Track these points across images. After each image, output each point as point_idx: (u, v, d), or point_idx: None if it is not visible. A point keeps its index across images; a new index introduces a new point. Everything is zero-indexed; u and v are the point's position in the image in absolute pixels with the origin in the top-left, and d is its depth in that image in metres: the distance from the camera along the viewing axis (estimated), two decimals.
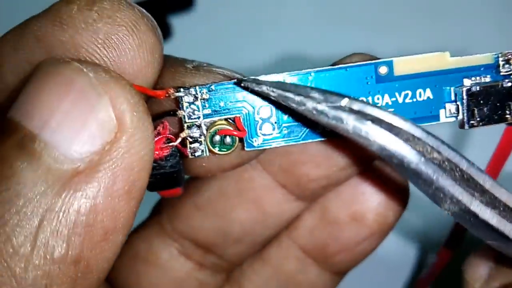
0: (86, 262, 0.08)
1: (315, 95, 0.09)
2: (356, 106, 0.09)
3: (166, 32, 0.34)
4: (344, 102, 0.09)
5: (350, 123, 0.09)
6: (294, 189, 0.13)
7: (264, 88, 0.09)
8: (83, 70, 0.08)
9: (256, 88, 0.10)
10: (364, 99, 0.10)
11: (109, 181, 0.08)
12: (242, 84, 0.10)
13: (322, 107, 0.09)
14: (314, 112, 0.09)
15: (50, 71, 0.09)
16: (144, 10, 0.10)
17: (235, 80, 0.10)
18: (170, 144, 0.10)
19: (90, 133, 0.08)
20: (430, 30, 0.36)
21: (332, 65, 0.11)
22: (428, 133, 0.09)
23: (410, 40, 0.34)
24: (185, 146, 0.10)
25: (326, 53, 0.36)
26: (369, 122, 0.09)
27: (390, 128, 0.09)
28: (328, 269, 0.14)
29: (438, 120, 0.11)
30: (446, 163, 0.09)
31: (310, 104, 0.09)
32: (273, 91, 0.09)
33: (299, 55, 0.36)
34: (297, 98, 0.09)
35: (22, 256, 0.08)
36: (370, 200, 0.13)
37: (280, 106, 0.10)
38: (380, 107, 0.09)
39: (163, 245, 0.13)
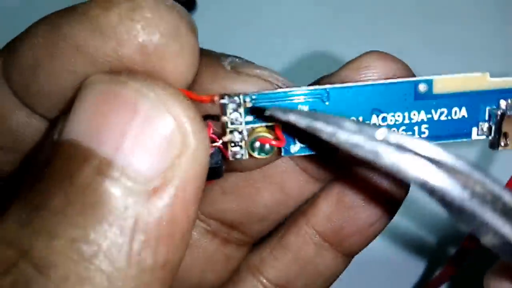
0: (170, 264, 0.09)
1: (348, 125, 0.09)
2: (393, 138, 0.09)
3: None
4: (380, 134, 0.09)
5: (387, 157, 0.08)
6: (314, 173, 0.13)
7: (292, 118, 0.09)
8: (143, 91, 0.09)
9: (283, 118, 0.09)
10: (401, 131, 0.10)
11: (182, 191, 0.09)
12: (266, 114, 0.10)
13: (356, 139, 0.09)
14: (348, 144, 0.09)
15: (109, 92, 0.09)
16: (182, 8, 0.10)
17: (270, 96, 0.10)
18: (214, 144, 0.10)
19: (160, 152, 0.09)
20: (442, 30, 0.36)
21: (350, 61, 0.12)
22: (472, 165, 0.09)
23: (415, 40, 0.34)
24: (227, 148, 0.11)
25: (332, 53, 0.36)
26: (407, 156, 0.08)
27: (429, 161, 0.08)
28: (342, 251, 0.14)
29: (470, 138, 0.11)
30: (488, 196, 0.08)
31: (342, 136, 0.09)
32: (301, 121, 0.09)
33: (302, 56, 0.36)
34: (329, 129, 0.09)
35: (119, 271, 0.08)
36: (380, 182, 0.13)
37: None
38: (419, 138, 0.09)
39: None
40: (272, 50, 0.36)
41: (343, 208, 0.14)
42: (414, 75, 0.12)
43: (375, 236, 0.14)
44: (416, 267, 0.28)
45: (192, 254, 0.14)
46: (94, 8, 0.09)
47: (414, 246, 0.29)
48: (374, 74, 0.11)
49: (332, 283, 0.15)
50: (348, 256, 0.15)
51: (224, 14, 0.35)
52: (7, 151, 0.11)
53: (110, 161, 0.08)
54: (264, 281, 0.15)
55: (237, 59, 0.12)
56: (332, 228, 0.14)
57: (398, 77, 0.11)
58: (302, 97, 0.10)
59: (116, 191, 0.08)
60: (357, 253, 0.15)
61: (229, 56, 0.12)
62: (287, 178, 0.13)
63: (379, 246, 0.27)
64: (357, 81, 0.11)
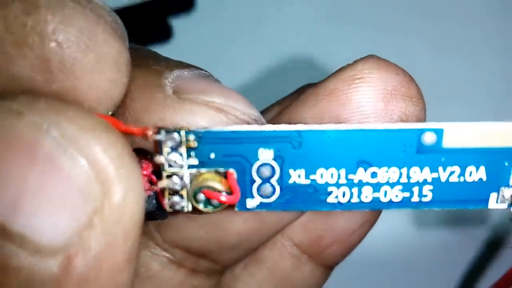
0: None
1: None
2: None
3: (166, 33, 0.34)
4: None
5: None
6: None
7: None
8: (42, 127, 0.06)
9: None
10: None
11: (106, 257, 0.07)
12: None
13: None
14: None
15: (3, 133, 0.06)
16: (101, 5, 0.07)
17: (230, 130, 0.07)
18: (152, 187, 0.08)
19: (72, 208, 0.06)
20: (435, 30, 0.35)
21: (341, 69, 0.10)
22: None
23: (415, 39, 0.34)
24: (164, 196, 0.08)
25: (331, 54, 0.35)
26: None
27: None
28: (321, 263, 0.13)
29: (486, 206, 0.08)
30: None
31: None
32: None
33: (302, 58, 0.36)
34: None
35: None
36: None
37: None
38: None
39: (152, 256, 0.12)
40: (272, 49, 0.36)
41: (320, 216, 0.12)
42: (421, 95, 0.09)
43: (357, 245, 0.13)
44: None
45: None
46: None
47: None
48: (369, 88, 0.09)
49: None
50: (328, 267, 0.13)
51: (223, 14, 0.35)
52: None
53: (5, 226, 0.06)
54: None
55: (186, 74, 0.09)
56: (309, 238, 0.13)
57: (404, 121, 0.08)
58: (265, 138, 0.08)
59: (18, 264, 0.06)
60: (337, 263, 0.14)
61: (177, 69, 0.09)
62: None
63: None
64: (340, 120, 0.08)
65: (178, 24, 0.35)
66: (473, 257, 0.29)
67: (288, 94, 0.12)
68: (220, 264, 0.13)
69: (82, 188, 0.07)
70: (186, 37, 0.35)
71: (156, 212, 0.08)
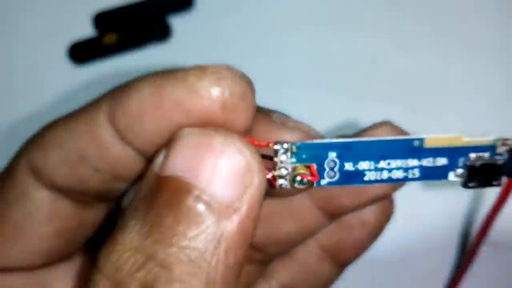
0: (242, 263, 0.12)
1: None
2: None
3: (165, 32, 0.34)
4: None
5: None
6: (329, 212, 0.17)
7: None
8: (225, 141, 0.12)
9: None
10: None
11: (251, 211, 0.12)
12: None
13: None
14: None
15: (202, 142, 0.12)
16: (248, 77, 0.13)
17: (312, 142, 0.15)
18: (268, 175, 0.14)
19: (237, 184, 0.12)
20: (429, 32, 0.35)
21: (360, 132, 0.17)
22: None
23: (416, 40, 0.33)
24: (275, 180, 0.15)
25: (332, 54, 0.35)
26: None
27: None
28: (338, 263, 0.18)
29: (447, 179, 0.15)
30: None
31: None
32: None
33: (302, 57, 0.36)
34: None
35: (213, 268, 0.12)
36: (369, 210, 0.18)
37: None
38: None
39: None
40: (272, 49, 0.36)
41: (340, 229, 0.18)
42: None
43: (365, 251, 0.18)
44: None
45: None
46: (191, 76, 0.12)
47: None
48: None
49: None
50: (343, 266, 0.19)
51: (223, 13, 0.35)
52: (102, 173, 0.14)
53: (204, 192, 0.12)
54: (274, 283, 0.18)
55: (281, 114, 0.16)
56: (331, 243, 0.18)
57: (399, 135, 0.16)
58: (331, 146, 0.15)
59: (209, 213, 0.12)
60: (349, 264, 0.19)
61: (275, 111, 0.16)
62: (307, 214, 0.17)
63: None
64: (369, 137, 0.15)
65: (177, 22, 0.34)
66: None
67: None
68: (268, 256, 0.18)
69: (242, 174, 0.12)
70: (185, 35, 0.35)
71: (268, 190, 0.15)
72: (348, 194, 0.17)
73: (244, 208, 0.12)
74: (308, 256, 0.18)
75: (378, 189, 0.17)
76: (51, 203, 0.13)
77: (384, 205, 0.18)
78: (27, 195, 0.13)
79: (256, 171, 0.13)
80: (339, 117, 0.32)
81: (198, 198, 0.12)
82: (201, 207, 0.12)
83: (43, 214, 0.13)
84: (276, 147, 0.14)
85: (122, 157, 0.13)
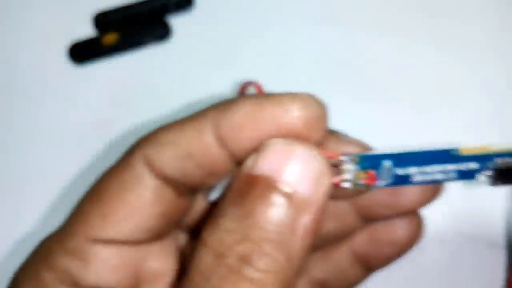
0: (309, 250, 0.16)
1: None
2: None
3: (165, 32, 0.34)
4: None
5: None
6: (366, 217, 0.21)
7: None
8: (306, 151, 0.16)
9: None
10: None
11: (321, 207, 0.16)
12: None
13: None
14: None
15: (288, 150, 0.16)
16: (322, 100, 0.17)
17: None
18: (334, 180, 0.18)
19: (313, 185, 0.16)
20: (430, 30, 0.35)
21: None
22: None
23: (417, 40, 0.33)
24: (340, 183, 0.18)
25: (333, 55, 0.35)
26: None
27: None
28: (367, 268, 0.22)
29: (476, 179, 0.18)
30: None
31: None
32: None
33: (302, 58, 0.36)
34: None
35: (290, 252, 0.15)
36: (400, 228, 0.21)
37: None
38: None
39: None
40: (271, 49, 0.36)
41: (372, 241, 0.21)
42: None
43: (392, 262, 0.21)
44: None
45: None
46: (285, 99, 0.16)
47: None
48: None
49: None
50: (371, 271, 0.22)
51: (223, 13, 0.35)
52: (202, 169, 0.17)
53: (287, 189, 0.15)
54: (310, 278, 0.22)
55: (344, 133, 0.20)
56: (362, 253, 0.21)
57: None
58: (386, 156, 0.18)
59: (290, 205, 0.15)
60: (377, 270, 0.22)
61: (336, 131, 0.20)
62: (346, 216, 0.21)
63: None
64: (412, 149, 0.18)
65: (177, 22, 0.34)
66: None
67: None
68: (313, 246, 0.22)
69: (317, 177, 0.16)
70: (185, 35, 0.35)
71: (335, 192, 0.18)
72: (382, 204, 0.20)
73: (316, 203, 0.16)
74: (342, 259, 0.21)
75: (409, 202, 0.20)
76: (159, 190, 0.17)
77: (415, 224, 0.21)
78: (142, 181, 0.16)
79: (326, 175, 0.16)
80: (338, 117, 0.32)
81: (282, 192, 0.15)
82: (285, 200, 0.15)
83: (151, 198, 0.16)
84: (342, 158, 0.18)
85: (219, 159, 0.17)
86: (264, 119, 0.16)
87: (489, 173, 0.18)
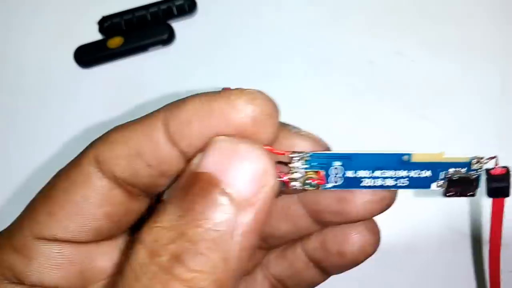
0: (254, 248, 0.15)
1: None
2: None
3: (168, 36, 0.35)
4: None
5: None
6: (317, 220, 0.20)
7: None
8: (249, 149, 0.15)
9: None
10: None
11: (264, 206, 0.15)
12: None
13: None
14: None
15: (232, 148, 0.15)
16: (274, 99, 0.16)
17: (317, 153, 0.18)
18: (280, 179, 0.17)
19: (255, 183, 0.15)
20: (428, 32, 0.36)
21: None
22: None
23: (412, 43, 0.34)
24: (289, 182, 0.18)
25: (331, 58, 0.36)
26: None
27: None
28: (322, 271, 0.21)
29: (429, 188, 0.18)
30: None
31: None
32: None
33: (301, 61, 0.36)
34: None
35: (231, 247, 0.15)
36: (351, 239, 0.20)
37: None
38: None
39: None
40: (271, 52, 0.36)
41: (323, 249, 0.21)
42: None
43: (347, 269, 0.21)
44: None
45: None
46: (233, 95, 0.16)
47: None
48: None
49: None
50: (327, 275, 0.22)
51: (225, 17, 0.36)
52: (151, 168, 0.17)
53: (228, 186, 0.15)
54: (269, 274, 0.22)
55: (294, 126, 0.19)
56: (315, 258, 0.21)
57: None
58: (336, 156, 0.18)
59: (230, 203, 0.15)
60: (333, 274, 0.22)
61: (289, 124, 0.19)
62: (300, 218, 0.20)
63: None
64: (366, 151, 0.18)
65: (180, 27, 0.35)
66: None
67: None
68: (268, 245, 0.22)
69: (260, 176, 0.15)
70: (187, 40, 0.36)
71: (283, 189, 0.18)
72: (330, 210, 0.19)
73: (258, 203, 0.15)
74: (297, 260, 0.21)
75: (358, 209, 0.19)
76: (107, 191, 0.16)
77: (368, 236, 0.20)
78: (89, 181, 0.16)
79: (270, 175, 0.16)
80: (338, 117, 0.33)
81: (223, 191, 0.15)
82: (225, 198, 0.15)
83: (99, 199, 0.16)
84: (292, 155, 0.17)
85: (168, 156, 0.16)
86: (212, 115, 0.15)
87: (441, 182, 0.17)
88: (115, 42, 0.33)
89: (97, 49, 0.34)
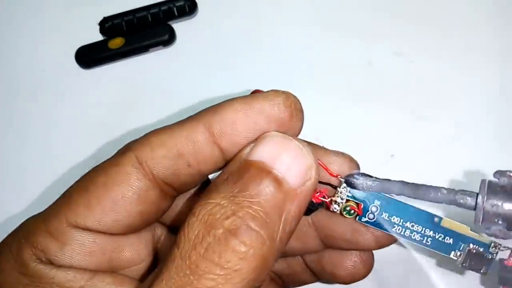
0: (293, 232, 0.17)
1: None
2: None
3: (169, 37, 0.35)
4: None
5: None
6: (327, 244, 0.22)
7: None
8: (300, 145, 0.17)
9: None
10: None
11: (306, 197, 0.17)
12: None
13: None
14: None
15: (284, 142, 0.17)
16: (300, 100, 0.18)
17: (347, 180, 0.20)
18: (323, 199, 0.19)
19: (302, 175, 0.17)
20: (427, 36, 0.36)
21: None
22: None
23: (410, 45, 0.34)
24: (331, 203, 0.20)
25: (330, 61, 0.36)
26: None
27: None
28: (317, 277, 0.23)
29: (448, 255, 0.20)
30: None
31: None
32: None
33: (300, 63, 0.36)
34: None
35: (274, 232, 0.16)
36: (345, 267, 0.22)
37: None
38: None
39: None
40: (270, 53, 0.36)
41: (319, 265, 0.23)
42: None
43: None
44: None
45: None
46: (270, 94, 0.18)
47: None
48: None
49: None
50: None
51: (225, 19, 0.36)
52: (191, 168, 0.18)
53: (279, 175, 0.17)
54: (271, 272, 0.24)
55: (323, 147, 0.21)
56: (312, 267, 0.23)
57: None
58: (376, 196, 0.20)
59: (279, 191, 0.16)
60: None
61: (319, 145, 0.21)
62: (310, 240, 0.22)
63: None
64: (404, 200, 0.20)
65: (180, 28, 0.35)
66: None
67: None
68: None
69: (306, 169, 0.17)
70: (187, 40, 0.36)
71: (314, 209, 0.19)
72: (344, 238, 0.21)
73: (302, 194, 0.17)
74: (296, 264, 0.23)
75: (367, 243, 0.21)
76: (144, 191, 0.17)
77: (360, 265, 0.22)
78: (128, 181, 0.17)
79: (315, 169, 0.17)
80: (337, 117, 0.33)
81: (275, 178, 0.16)
82: (275, 185, 0.16)
83: (135, 198, 0.17)
84: (342, 179, 0.19)
85: (209, 156, 0.18)
86: (254, 114, 0.17)
87: (459, 253, 0.19)
88: (116, 42, 0.33)
89: (98, 50, 0.34)
